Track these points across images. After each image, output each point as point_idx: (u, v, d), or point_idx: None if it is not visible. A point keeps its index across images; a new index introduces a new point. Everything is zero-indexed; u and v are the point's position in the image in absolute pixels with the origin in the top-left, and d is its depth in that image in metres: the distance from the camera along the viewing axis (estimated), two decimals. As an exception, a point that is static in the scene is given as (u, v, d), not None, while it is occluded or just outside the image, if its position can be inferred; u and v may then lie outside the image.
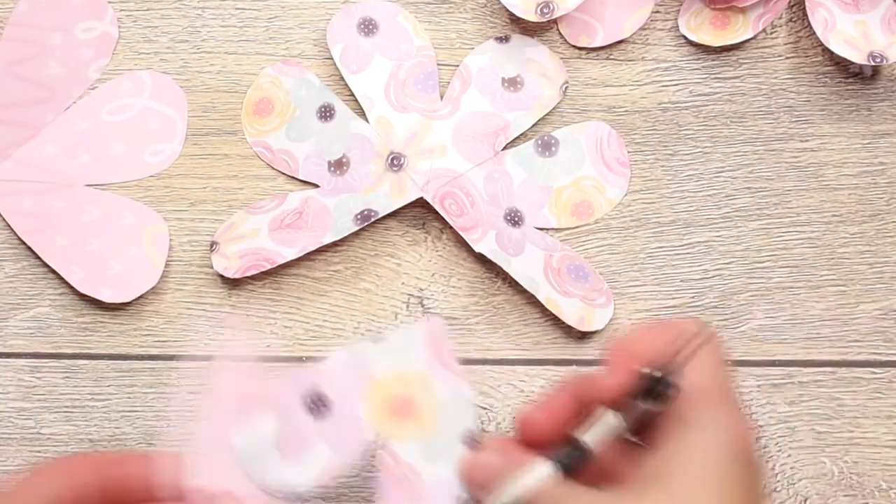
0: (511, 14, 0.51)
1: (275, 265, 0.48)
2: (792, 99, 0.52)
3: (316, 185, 0.51)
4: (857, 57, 0.50)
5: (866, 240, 0.51)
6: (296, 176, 0.51)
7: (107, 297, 0.49)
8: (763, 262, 0.51)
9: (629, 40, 0.52)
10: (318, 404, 0.42)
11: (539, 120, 0.51)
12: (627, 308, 0.50)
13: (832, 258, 0.51)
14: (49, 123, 0.51)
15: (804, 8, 0.51)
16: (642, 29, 0.52)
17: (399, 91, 0.51)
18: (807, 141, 0.52)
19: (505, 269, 0.48)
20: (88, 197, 0.50)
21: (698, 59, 0.52)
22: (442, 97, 0.51)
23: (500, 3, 0.51)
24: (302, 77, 0.51)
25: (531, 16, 0.50)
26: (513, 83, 0.51)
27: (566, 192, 0.51)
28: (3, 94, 0.51)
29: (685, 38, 0.52)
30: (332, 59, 0.51)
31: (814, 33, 0.51)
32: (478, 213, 0.49)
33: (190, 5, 0.53)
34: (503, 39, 0.52)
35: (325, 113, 0.51)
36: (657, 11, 0.53)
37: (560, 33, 0.52)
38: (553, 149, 0.51)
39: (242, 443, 0.42)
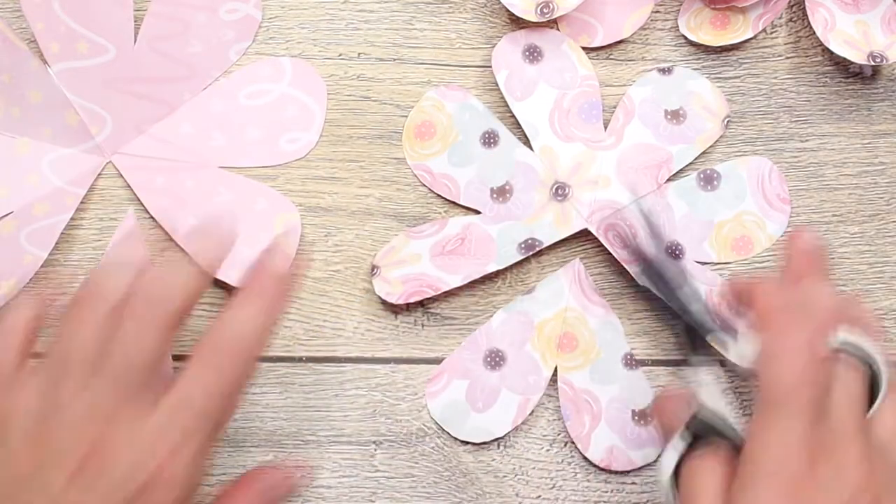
0: (511, 14, 0.51)
1: (438, 292, 0.49)
2: (792, 99, 0.52)
3: (477, 212, 0.51)
4: (857, 57, 0.50)
5: (866, 240, 0.51)
6: (457, 201, 0.51)
7: (234, 279, 0.48)
8: (763, 262, 0.51)
9: (629, 40, 0.52)
10: (495, 359, 0.49)
11: (701, 155, 0.51)
12: (627, 308, 0.50)
13: (832, 258, 0.51)
14: (186, 102, 0.51)
15: (804, 8, 0.51)
16: (642, 29, 0.52)
17: (563, 120, 0.50)
18: (807, 141, 0.52)
19: (668, 304, 0.48)
20: (222, 179, 0.50)
21: (698, 59, 0.52)
22: (605, 127, 0.51)
23: (500, 2, 0.51)
24: (465, 102, 0.51)
25: (531, 16, 0.50)
26: (675, 116, 0.51)
27: (727, 227, 0.50)
28: (143, 68, 0.50)
29: (685, 38, 0.52)
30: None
31: (814, 33, 0.51)
32: (640, 246, 0.49)
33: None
34: (665, 71, 0.52)
35: (489, 139, 0.51)
36: (657, 11, 0.53)
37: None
38: (715, 182, 0.51)
39: (439, 410, 0.49)
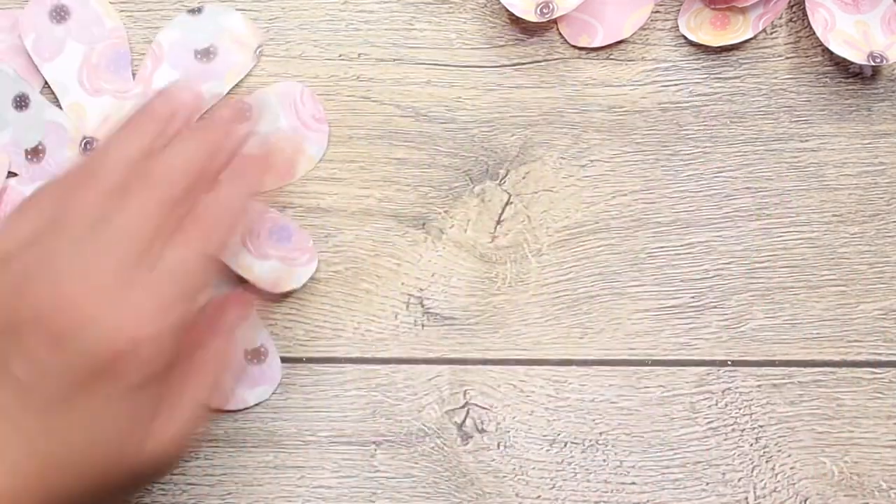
0: (511, 14, 0.51)
1: None
2: (792, 99, 0.52)
3: (14, 174, 0.51)
4: (857, 57, 0.50)
5: (866, 240, 0.51)
6: None
7: None
8: (763, 262, 0.51)
9: (629, 40, 0.52)
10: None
11: (234, 87, 0.51)
12: (627, 308, 0.50)
13: (832, 258, 0.51)
14: None
15: (804, 8, 0.51)
16: (642, 29, 0.52)
17: (92, 75, 0.51)
18: (807, 141, 0.52)
19: None
20: None
21: (698, 59, 0.52)
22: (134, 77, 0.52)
23: (500, 3, 0.51)
24: None
25: (531, 16, 0.50)
26: (206, 54, 0.52)
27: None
28: None
29: (685, 38, 0.52)
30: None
31: (814, 33, 0.51)
32: None
33: (191, 6, 0.53)
34: (195, 11, 0.52)
35: (21, 102, 0.51)
36: (657, 11, 0.53)
37: (560, 33, 0.52)
38: (247, 114, 0.50)
39: None
